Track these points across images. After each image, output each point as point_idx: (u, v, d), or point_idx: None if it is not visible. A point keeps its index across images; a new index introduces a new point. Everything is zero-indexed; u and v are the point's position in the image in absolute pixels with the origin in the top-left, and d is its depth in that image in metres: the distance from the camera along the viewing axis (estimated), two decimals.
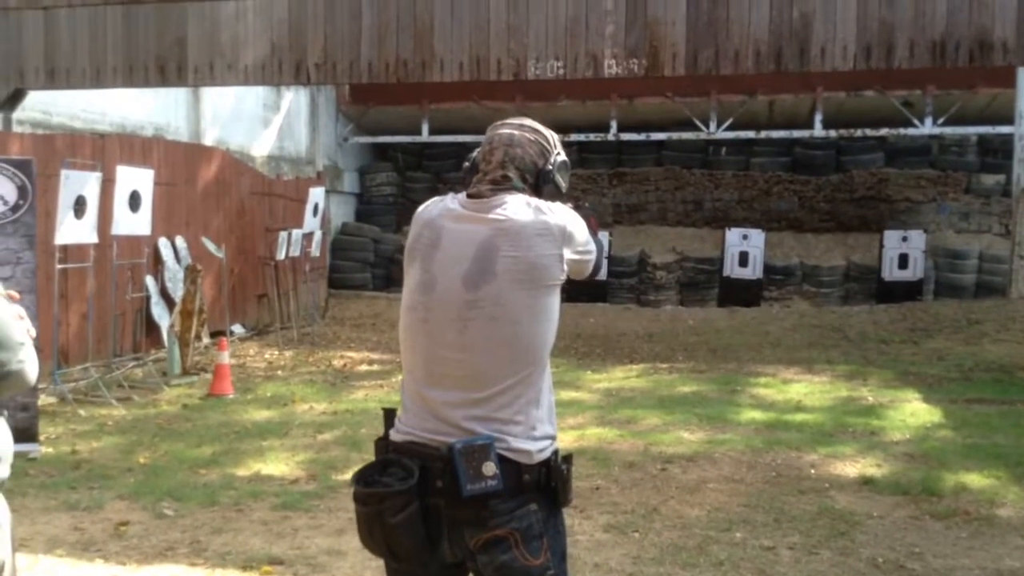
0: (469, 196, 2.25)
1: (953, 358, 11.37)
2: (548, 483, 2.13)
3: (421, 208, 2.33)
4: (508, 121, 2.37)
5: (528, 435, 2.12)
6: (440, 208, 2.27)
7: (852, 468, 6.24)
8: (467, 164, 2.36)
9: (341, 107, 17.95)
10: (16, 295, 1.98)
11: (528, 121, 2.37)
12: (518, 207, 2.18)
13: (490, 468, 2.04)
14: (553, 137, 2.35)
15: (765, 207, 17.93)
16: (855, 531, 4.97)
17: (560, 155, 2.33)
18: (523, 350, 2.14)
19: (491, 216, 2.17)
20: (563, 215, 2.22)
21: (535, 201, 2.21)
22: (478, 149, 2.36)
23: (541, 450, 2.13)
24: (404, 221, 18.67)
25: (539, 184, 2.28)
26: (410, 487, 2.05)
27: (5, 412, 1.93)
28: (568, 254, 2.19)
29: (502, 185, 2.24)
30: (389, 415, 2.27)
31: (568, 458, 2.19)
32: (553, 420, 2.22)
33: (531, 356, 2.15)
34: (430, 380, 2.17)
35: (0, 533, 1.87)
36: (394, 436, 2.21)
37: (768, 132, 16.69)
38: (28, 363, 1.90)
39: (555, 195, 2.30)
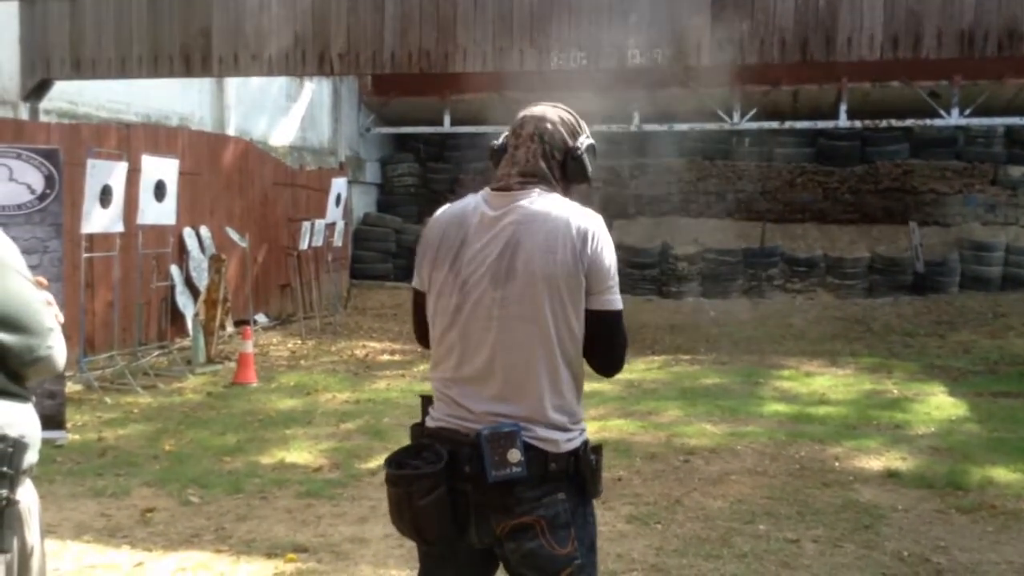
0: (495, 190, 2.24)
1: (979, 351, 11.27)
2: (576, 473, 2.14)
3: (438, 213, 2.32)
4: (539, 103, 2.37)
5: (556, 427, 2.12)
6: (461, 206, 2.27)
7: (877, 461, 6.20)
8: (495, 145, 2.34)
9: (363, 98, 17.98)
10: (44, 282, 2.00)
11: (560, 104, 2.37)
12: (544, 203, 2.17)
13: (515, 455, 2.05)
14: (583, 123, 2.35)
15: (788, 198, 17.80)
16: (880, 524, 4.94)
17: (589, 139, 2.33)
18: (550, 349, 2.13)
19: (516, 211, 2.17)
20: (589, 218, 2.18)
21: (563, 199, 2.21)
22: (504, 134, 2.34)
23: (569, 440, 2.13)
24: (426, 212, 18.65)
25: (566, 163, 2.27)
26: (438, 471, 2.08)
27: (33, 398, 1.95)
28: (587, 256, 2.13)
29: (530, 180, 2.23)
30: (426, 401, 2.30)
31: (598, 449, 2.19)
32: (582, 413, 2.22)
33: (558, 354, 2.13)
34: (460, 376, 2.18)
35: (29, 519, 1.89)
36: (428, 423, 2.25)
37: (792, 123, 16.57)
38: (56, 349, 1.92)
39: (580, 176, 2.29)
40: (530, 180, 2.23)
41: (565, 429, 2.14)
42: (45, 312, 1.89)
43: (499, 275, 2.14)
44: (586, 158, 2.29)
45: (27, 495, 1.86)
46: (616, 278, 2.20)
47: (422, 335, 2.38)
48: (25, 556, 1.84)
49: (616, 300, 2.19)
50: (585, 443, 2.17)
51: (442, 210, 2.33)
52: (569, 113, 2.33)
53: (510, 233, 2.15)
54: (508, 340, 2.12)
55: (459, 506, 2.10)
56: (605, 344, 2.20)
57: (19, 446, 1.77)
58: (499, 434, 2.06)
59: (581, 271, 2.12)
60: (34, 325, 1.84)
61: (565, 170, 2.27)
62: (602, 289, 2.15)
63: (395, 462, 2.18)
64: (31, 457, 1.84)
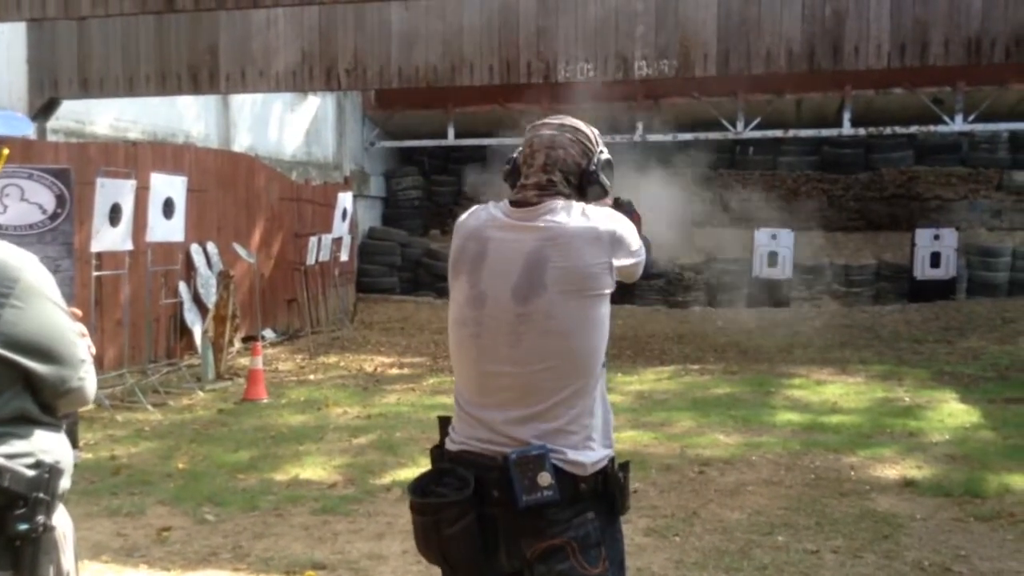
0: (513, 204, 2.20)
1: (988, 357, 11.25)
2: (605, 491, 2.11)
3: (463, 217, 2.28)
4: (547, 121, 2.30)
5: (583, 446, 2.09)
6: (484, 217, 2.21)
7: (893, 470, 6.18)
8: (507, 167, 2.31)
9: (367, 112, 18.01)
10: (79, 312, 2.00)
11: (569, 120, 2.29)
12: (566, 214, 2.13)
13: (545, 478, 2.01)
14: (595, 134, 2.29)
15: (793, 207, 17.80)
16: (899, 534, 4.92)
17: (603, 153, 2.27)
18: (575, 362, 2.10)
19: (538, 225, 2.12)
20: (613, 220, 2.16)
21: (582, 206, 2.16)
22: (518, 150, 2.30)
23: (596, 461, 2.10)
24: (430, 224, 18.70)
25: (583, 185, 2.23)
26: (466, 497, 2.04)
27: (63, 426, 1.95)
28: (619, 261, 2.15)
29: (548, 191, 2.18)
30: (444, 423, 2.25)
31: (625, 465, 2.16)
32: (609, 430, 2.18)
33: (584, 367, 2.11)
34: (483, 394, 2.14)
35: (65, 544, 1.89)
36: (449, 445, 2.19)
37: (796, 131, 16.55)
38: (88, 380, 1.92)
39: (600, 195, 2.26)
40: (546, 193, 2.18)
41: (592, 448, 2.10)
42: (79, 343, 1.89)
43: (522, 290, 2.09)
44: (603, 176, 2.25)
45: (62, 520, 1.86)
46: (642, 247, 2.29)
47: None
48: None
49: (633, 255, 2.24)
50: (612, 460, 2.14)
51: (466, 215, 2.27)
52: (577, 130, 2.26)
53: (534, 248, 2.10)
54: (533, 356, 2.08)
55: (488, 531, 2.06)
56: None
57: (55, 472, 1.78)
58: (527, 458, 2.02)
59: (613, 277, 2.14)
60: (67, 356, 1.84)
61: (583, 193, 2.24)
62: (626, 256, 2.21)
63: (419, 489, 2.13)
64: (65, 483, 1.84)
